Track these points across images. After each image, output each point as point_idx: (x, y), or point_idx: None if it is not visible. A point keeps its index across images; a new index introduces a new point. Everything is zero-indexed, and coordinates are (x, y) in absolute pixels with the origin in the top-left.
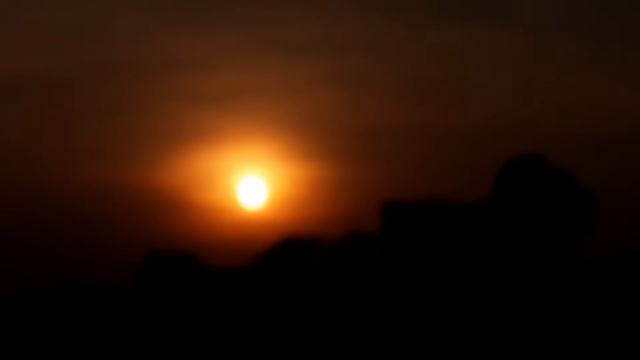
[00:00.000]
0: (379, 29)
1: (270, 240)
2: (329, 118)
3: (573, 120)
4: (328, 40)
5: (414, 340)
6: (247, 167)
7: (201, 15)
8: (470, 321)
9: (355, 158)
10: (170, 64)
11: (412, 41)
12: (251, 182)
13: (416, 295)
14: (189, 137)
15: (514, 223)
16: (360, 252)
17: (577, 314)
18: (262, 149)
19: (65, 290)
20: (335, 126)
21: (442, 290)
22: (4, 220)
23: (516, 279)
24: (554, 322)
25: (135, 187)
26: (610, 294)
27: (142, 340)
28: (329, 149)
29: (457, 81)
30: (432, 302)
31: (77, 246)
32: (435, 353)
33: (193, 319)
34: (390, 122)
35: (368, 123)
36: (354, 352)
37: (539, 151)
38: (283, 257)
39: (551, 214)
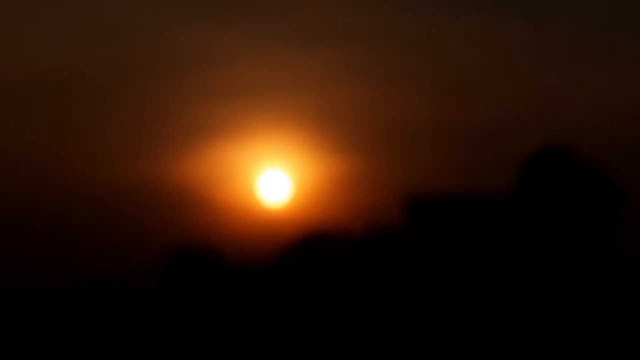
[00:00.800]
0: (400, 22)
1: (292, 236)
2: (350, 111)
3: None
4: (348, 34)
5: (438, 338)
6: (269, 162)
7: (223, 10)
8: (495, 318)
9: (377, 151)
10: (192, 60)
11: (434, 34)
12: (273, 177)
13: (441, 291)
14: (210, 133)
15: (541, 217)
16: (384, 247)
17: (606, 313)
18: (284, 143)
19: (84, 288)
20: (356, 119)
21: (466, 286)
22: (23, 217)
23: (544, 275)
24: (581, 321)
25: (157, 184)
26: None
27: (163, 338)
28: (351, 142)
29: (479, 75)
30: (456, 297)
31: (96, 243)
32: (460, 351)
33: (216, 317)
34: (412, 115)
35: (390, 116)
36: (376, 349)
37: (563, 143)
38: (305, 254)
39: (578, 207)
